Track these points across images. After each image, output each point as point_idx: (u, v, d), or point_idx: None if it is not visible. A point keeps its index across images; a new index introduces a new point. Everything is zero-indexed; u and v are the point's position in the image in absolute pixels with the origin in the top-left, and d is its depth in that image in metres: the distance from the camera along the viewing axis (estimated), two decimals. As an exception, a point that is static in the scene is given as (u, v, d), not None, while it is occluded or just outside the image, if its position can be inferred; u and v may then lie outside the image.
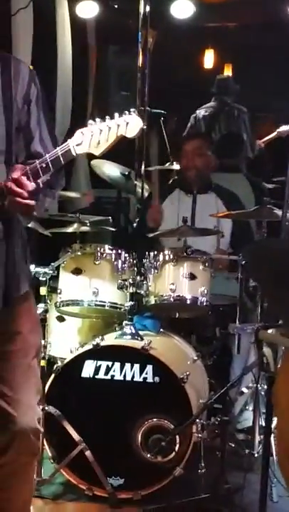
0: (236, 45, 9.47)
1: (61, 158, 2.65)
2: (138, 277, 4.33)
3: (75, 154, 2.62)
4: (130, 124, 2.54)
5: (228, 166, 6.09)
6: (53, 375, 4.06)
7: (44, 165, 2.66)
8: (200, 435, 4.06)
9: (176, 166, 6.03)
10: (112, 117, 2.58)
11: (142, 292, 4.36)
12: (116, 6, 7.60)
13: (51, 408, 3.99)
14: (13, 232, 2.88)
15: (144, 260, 4.43)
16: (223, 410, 4.18)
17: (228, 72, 9.98)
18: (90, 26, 7.74)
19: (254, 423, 4.39)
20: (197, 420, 4.03)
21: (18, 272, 2.90)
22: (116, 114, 2.56)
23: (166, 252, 4.43)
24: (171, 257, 4.39)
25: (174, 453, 3.95)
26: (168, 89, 8.98)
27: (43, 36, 6.54)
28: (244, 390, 4.51)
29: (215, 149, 5.74)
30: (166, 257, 4.41)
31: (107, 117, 2.57)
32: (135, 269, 4.34)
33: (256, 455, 4.34)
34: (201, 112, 8.41)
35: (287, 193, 3.15)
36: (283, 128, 7.90)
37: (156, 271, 4.41)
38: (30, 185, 2.66)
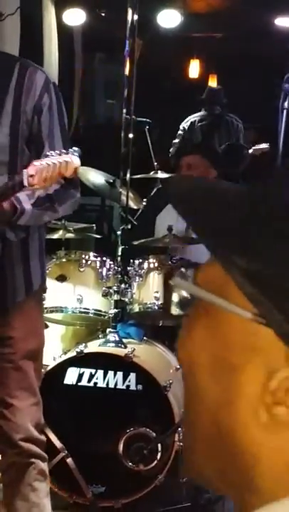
0: (221, 55, 9.53)
1: (17, 187, 2.65)
2: (122, 285, 4.33)
3: (26, 185, 2.61)
4: (69, 163, 2.57)
5: (232, 176, 6.09)
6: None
7: (6, 190, 2.68)
8: (182, 444, 4.04)
9: (161, 175, 6.03)
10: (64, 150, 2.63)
11: (126, 300, 4.36)
12: (103, 14, 7.62)
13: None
14: (8, 242, 2.89)
15: (129, 268, 4.44)
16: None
17: (212, 82, 10.01)
18: (77, 34, 7.76)
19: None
20: (179, 429, 4.03)
21: (14, 281, 2.94)
22: (63, 151, 2.61)
23: (151, 260, 4.44)
24: (156, 265, 4.40)
25: (155, 461, 3.94)
26: (152, 98, 9.01)
27: (30, 43, 6.55)
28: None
29: (218, 160, 5.72)
30: (151, 265, 4.42)
31: (54, 152, 2.61)
32: (119, 276, 4.34)
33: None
34: (195, 121, 8.27)
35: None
36: (257, 147, 7.96)
37: (140, 279, 4.42)
38: None
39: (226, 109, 8.33)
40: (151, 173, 6.42)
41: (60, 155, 2.57)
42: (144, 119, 6.87)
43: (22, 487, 3.07)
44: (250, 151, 7.96)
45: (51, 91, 2.89)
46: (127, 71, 5.61)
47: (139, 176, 5.64)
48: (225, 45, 9.26)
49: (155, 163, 6.75)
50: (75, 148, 2.59)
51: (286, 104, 3.23)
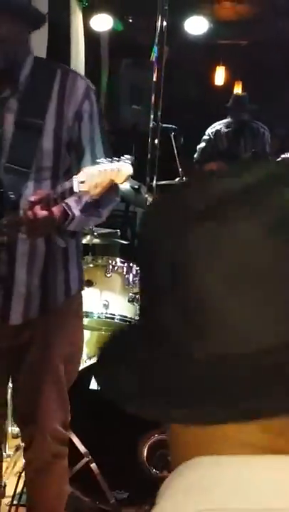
0: (247, 62, 9.53)
1: (66, 193, 2.65)
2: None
3: (77, 191, 2.61)
4: (120, 171, 2.55)
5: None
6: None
7: (55, 196, 2.67)
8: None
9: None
10: (117, 158, 2.59)
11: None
12: (130, 20, 7.64)
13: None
14: (51, 244, 2.91)
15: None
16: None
17: (238, 89, 10.01)
18: (104, 39, 7.77)
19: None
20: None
21: (55, 286, 2.97)
22: (115, 159, 2.58)
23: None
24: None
25: (179, 468, 3.93)
26: (177, 105, 9.01)
27: (57, 48, 6.56)
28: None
29: None
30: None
31: (105, 159, 2.59)
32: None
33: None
34: (221, 128, 8.25)
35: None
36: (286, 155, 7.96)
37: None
38: (40, 214, 2.66)
39: (249, 116, 8.29)
40: (177, 179, 6.44)
41: (111, 162, 2.56)
42: (170, 126, 6.87)
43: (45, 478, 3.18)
44: (279, 159, 7.96)
45: (92, 98, 2.91)
46: (154, 77, 5.62)
47: (164, 182, 5.64)
48: (250, 52, 9.26)
49: (180, 170, 6.76)
50: (128, 156, 2.57)
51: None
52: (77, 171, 2.63)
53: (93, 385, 4.00)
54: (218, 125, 8.29)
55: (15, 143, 2.82)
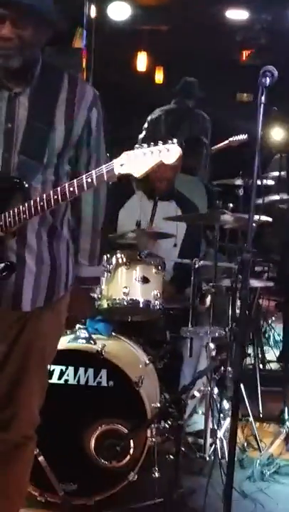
0: (169, 48, 9.52)
1: (105, 176, 2.68)
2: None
3: (117, 174, 2.66)
4: (170, 151, 2.62)
5: (187, 167, 6.07)
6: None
7: (89, 180, 2.70)
8: (154, 439, 4.04)
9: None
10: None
11: (95, 296, 4.32)
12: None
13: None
14: (56, 238, 3.04)
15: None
16: (177, 414, 4.17)
17: (159, 75, 10.02)
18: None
19: (206, 426, 4.41)
20: (152, 425, 4.02)
21: (60, 275, 3.06)
22: (160, 142, 2.64)
23: (118, 255, 4.41)
24: (124, 260, 4.37)
25: (128, 458, 3.93)
26: (98, 91, 8.93)
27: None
28: (196, 393, 4.49)
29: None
30: (119, 260, 4.39)
31: (152, 143, 2.65)
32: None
33: (207, 458, 4.36)
34: (161, 116, 8.15)
35: (253, 197, 3.17)
36: (235, 138, 8.01)
37: (109, 274, 4.38)
38: None
39: (195, 103, 8.21)
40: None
41: (155, 145, 2.64)
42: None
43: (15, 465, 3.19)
44: (227, 141, 8.01)
45: (99, 106, 3.04)
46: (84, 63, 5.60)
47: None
48: (172, 38, 9.25)
49: (107, 155, 6.71)
50: (173, 139, 2.63)
51: (263, 98, 3.20)
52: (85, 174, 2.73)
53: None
54: (159, 111, 8.19)
55: (28, 136, 2.90)
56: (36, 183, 2.91)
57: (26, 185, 2.85)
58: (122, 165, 2.64)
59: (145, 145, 2.65)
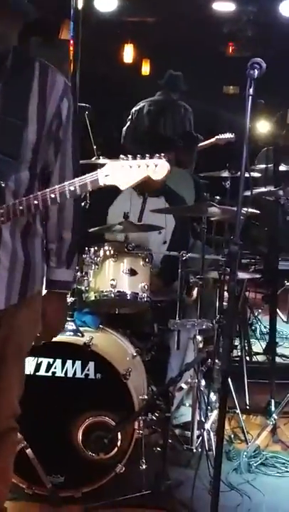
0: (155, 40, 9.50)
1: (89, 186, 2.64)
2: (79, 273, 4.29)
3: (102, 184, 2.61)
4: (158, 167, 2.57)
5: (181, 163, 6.08)
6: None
7: (72, 188, 2.66)
8: (141, 431, 4.05)
9: (103, 161, 6.00)
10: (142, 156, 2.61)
11: (83, 288, 4.32)
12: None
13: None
14: (31, 234, 2.97)
15: (85, 256, 4.39)
16: (164, 406, 4.18)
17: (146, 67, 10.00)
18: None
19: (193, 419, 4.42)
20: (139, 417, 4.02)
21: (34, 271, 2.99)
22: (147, 155, 2.58)
23: (106, 247, 4.40)
24: (112, 252, 4.37)
25: (115, 450, 3.94)
26: (85, 83, 8.92)
27: None
28: (183, 385, 4.50)
29: (167, 146, 5.67)
30: (107, 253, 4.38)
31: (138, 156, 2.60)
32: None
33: (194, 450, 4.37)
34: (144, 107, 8.15)
35: (241, 190, 3.17)
36: (221, 136, 8.02)
37: (96, 266, 4.38)
38: None
39: (179, 95, 8.19)
40: (93, 158, 6.39)
41: (141, 158, 2.59)
42: (84, 104, 6.80)
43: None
44: (214, 139, 8.03)
45: (70, 96, 2.95)
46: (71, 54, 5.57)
47: (81, 162, 5.58)
48: (158, 30, 9.23)
49: (94, 148, 6.71)
50: (162, 154, 2.58)
51: (251, 90, 3.19)
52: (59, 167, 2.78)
53: (26, 370, 3.94)
54: (143, 103, 8.19)
55: (1, 133, 2.81)
56: (11, 182, 2.82)
57: (3, 185, 2.78)
58: (106, 176, 2.59)
59: (130, 157, 2.59)
